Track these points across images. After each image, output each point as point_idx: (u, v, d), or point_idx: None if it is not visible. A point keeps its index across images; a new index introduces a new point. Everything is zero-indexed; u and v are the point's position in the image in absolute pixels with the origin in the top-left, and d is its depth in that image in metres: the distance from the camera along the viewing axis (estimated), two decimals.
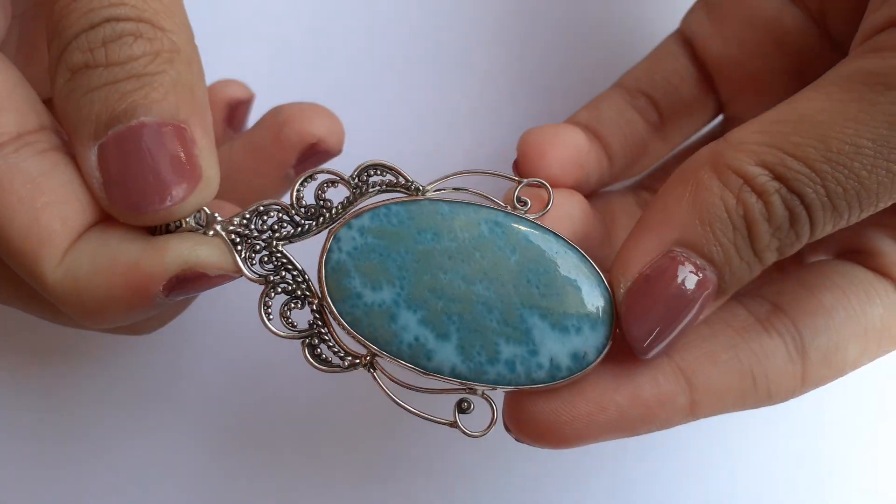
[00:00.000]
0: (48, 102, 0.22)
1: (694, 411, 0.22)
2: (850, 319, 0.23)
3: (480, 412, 0.22)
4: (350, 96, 0.32)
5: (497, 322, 0.21)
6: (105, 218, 0.21)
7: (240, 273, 0.22)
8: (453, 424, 0.22)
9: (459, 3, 0.35)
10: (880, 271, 0.24)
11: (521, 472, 0.33)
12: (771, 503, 0.33)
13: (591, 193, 0.27)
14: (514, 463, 0.33)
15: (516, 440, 0.22)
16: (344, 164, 0.24)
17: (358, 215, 0.22)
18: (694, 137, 0.30)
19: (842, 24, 0.26)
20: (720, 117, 0.29)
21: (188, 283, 0.21)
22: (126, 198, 0.20)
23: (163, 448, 0.32)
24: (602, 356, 0.22)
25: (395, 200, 0.22)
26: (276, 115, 0.26)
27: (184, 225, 0.22)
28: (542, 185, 0.23)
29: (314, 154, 0.26)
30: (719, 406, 0.22)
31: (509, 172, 0.24)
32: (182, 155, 0.20)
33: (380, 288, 0.21)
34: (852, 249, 0.25)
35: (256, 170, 0.26)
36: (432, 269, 0.22)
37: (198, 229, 0.22)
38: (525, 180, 0.23)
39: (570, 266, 0.22)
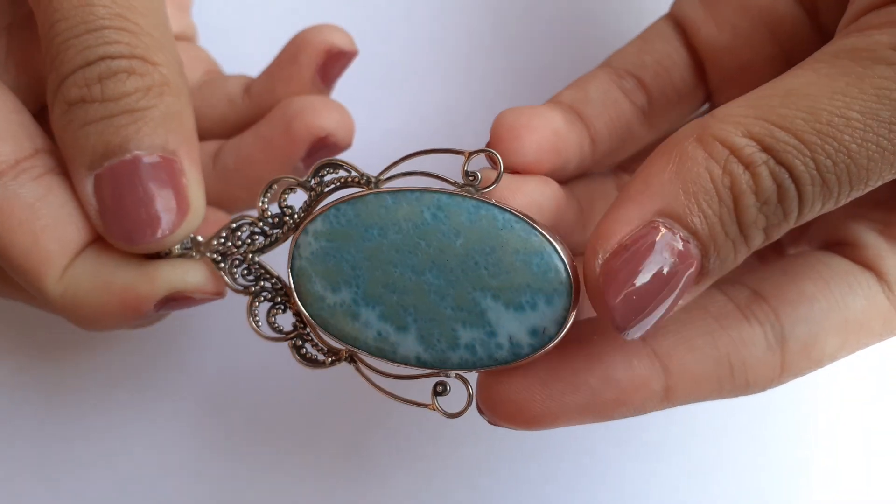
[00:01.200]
0: (42, 113, 0.24)
1: (669, 397, 0.21)
2: (830, 310, 0.22)
3: (459, 395, 0.22)
4: (357, 93, 0.31)
5: (451, 308, 0.21)
6: (100, 236, 0.23)
7: (222, 294, 0.24)
8: (431, 406, 0.23)
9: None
10: (863, 263, 0.23)
11: (516, 463, 0.33)
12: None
13: (571, 178, 0.26)
14: (509, 454, 0.33)
15: (489, 423, 0.22)
16: (356, 161, 0.24)
17: (314, 219, 0.23)
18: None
19: (832, 15, 0.24)
20: (705, 106, 0.28)
21: (176, 302, 0.24)
22: (120, 229, 0.22)
23: (162, 444, 0.33)
24: (565, 329, 0.21)
25: (344, 199, 0.23)
26: (285, 108, 0.26)
27: (173, 251, 0.24)
28: (489, 154, 0.22)
29: (323, 147, 0.26)
30: (695, 393, 0.21)
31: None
32: (172, 187, 0.22)
33: (338, 289, 0.22)
34: (835, 241, 0.24)
35: (266, 163, 0.26)
36: (383, 264, 0.22)
37: (185, 252, 0.24)
38: (472, 152, 0.22)
39: (517, 241, 0.21)
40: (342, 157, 0.24)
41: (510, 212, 0.21)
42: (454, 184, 0.22)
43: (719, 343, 0.21)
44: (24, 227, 0.22)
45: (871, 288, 0.22)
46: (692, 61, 0.26)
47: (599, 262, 0.20)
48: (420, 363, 0.22)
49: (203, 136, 0.27)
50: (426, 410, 0.23)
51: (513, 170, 0.23)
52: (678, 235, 0.19)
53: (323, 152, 0.26)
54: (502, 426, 0.22)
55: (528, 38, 0.35)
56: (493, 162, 0.22)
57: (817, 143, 0.18)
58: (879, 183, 0.19)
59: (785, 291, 0.22)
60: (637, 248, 0.19)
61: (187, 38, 0.32)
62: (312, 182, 0.23)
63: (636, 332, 0.20)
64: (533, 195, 0.22)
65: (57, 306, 0.23)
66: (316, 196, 0.23)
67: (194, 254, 0.24)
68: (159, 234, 0.22)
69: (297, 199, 0.24)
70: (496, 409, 0.22)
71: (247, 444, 0.34)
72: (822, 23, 0.25)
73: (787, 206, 0.19)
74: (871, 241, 0.23)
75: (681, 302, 0.20)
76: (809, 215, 0.19)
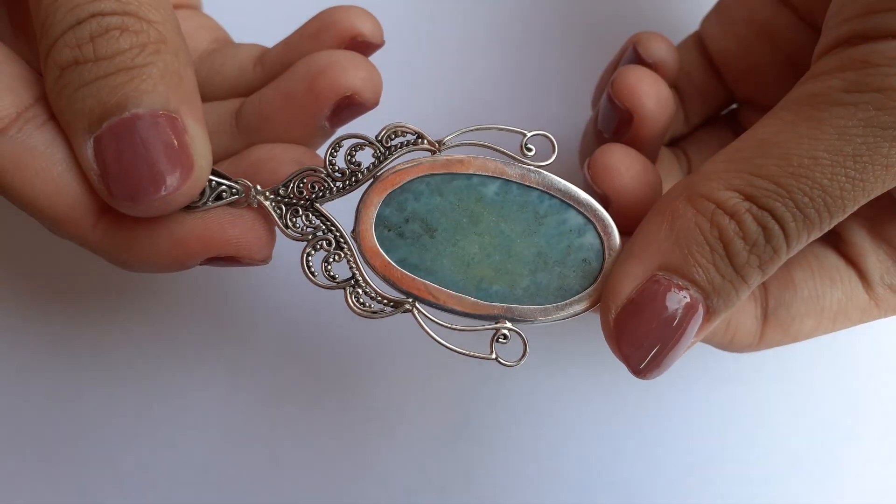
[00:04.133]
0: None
1: None
2: (811, 298, 0.25)
3: (514, 347, 0.24)
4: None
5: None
6: None
7: (268, 259, 0.24)
8: (491, 358, 0.24)
9: None
10: (849, 259, 0.26)
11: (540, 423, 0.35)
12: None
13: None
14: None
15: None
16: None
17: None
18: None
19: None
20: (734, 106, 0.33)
21: (222, 261, 0.24)
22: (122, 189, 0.21)
23: (165, 443, 0.33)
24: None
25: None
26: (309, 63, 0.25)
27: (224, 197, 0.23)
28: (546, 137, 0.25)
29: (349, 106, 0.25)
30: None
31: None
32: (175, 144, 0.21)
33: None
34: (834, 231, 0.26)
35: (289, 119, 0.25)
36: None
37: (237, 200, 0.23)
38: (530, 133, 0.24)
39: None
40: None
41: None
42: (513, 156, 0.24)
43: None
44: (41, 176, 0.21)
45: (850, 283, 0.26)
46: (708, 66, 0.31)
47: (612, 316, 0.22)
48: None
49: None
50: (468, 368, 0.25)
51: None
52: (679, 285, 0.21)
53: (349, 111, 0.25)
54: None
55: (531, 31, 0.37)
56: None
57: (793, 184, 0.20)
58: (856, 207, 0.21)
59: (777, 274, 0.25)
60: (643, 302, 0.22)
61: (192, 5, 0.31)
62: (382, 143, 0.24)
63: (653, 376, 0.22)
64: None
65: (98, 251, 0.22)
66: (386, 156, 0.24)
67: (253, 203, 0.24)
68: (163, 191, 0.21)
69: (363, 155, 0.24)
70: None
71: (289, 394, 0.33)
72: (819, 29, 0.28)
73: (775, 243, 0.21)
74: (859, 239, 0.26)
75: (694, 341, 0.22)
76: (797, 247, 0.21)
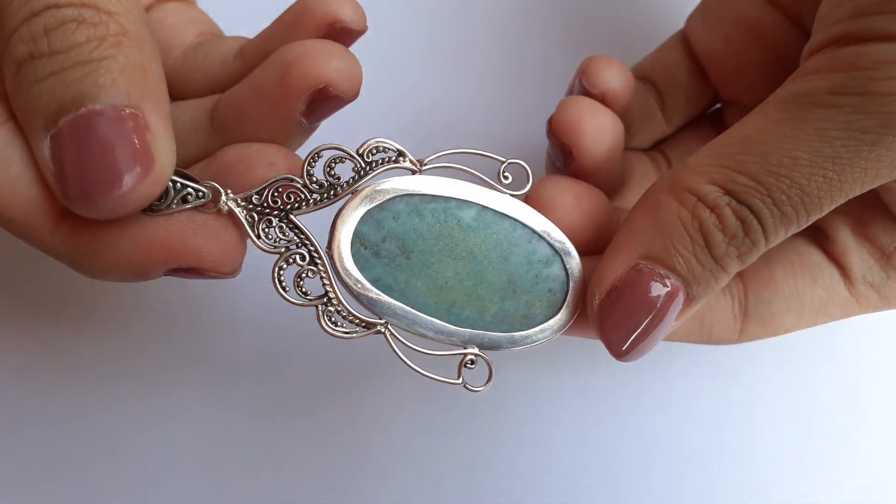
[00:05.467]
0: None
1: None
2: (791, 295, 0.26)
3: (481, 373, 0.24)
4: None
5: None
6: None
7: (236, 272, 0.23)
8: (458, 383, 0.24)
9: None
10: (832, 257, 0.27)
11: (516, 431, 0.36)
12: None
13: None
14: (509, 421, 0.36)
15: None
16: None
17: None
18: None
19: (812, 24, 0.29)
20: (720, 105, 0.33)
21: (186, 273, 0.23)
22: (77, 189, 0.20)
23: (168, 438, 0.33)
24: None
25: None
26: (282, 54, 0.23)
27: (189, 200, 0.22)
28: (521, 166, 0.25)
29: (325, 100, 0.23)
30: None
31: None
32: (135, 141, 0.20)
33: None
34: (818, 227, 0.27)
35: (262, 115, 0.23)
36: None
37: (202, 205, 0.22)
38: (507, 161, 0.25)
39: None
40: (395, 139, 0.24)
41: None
42: (490, 183, 0.25)
43: None
44: None
45: (832, 280, 0.26)
46: (693, 66, 0.31)
47: (596, 301, 0.23)
48: None
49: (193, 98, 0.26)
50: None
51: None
52: (660, 274, 0.22)
53: (325, 105, 0.23)
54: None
55: (524, 32, 0.37)
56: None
57: (772, 182, 0.21)
58: (834, 206, 0.22)
59: (758, 271, 0.26)
60: (626, 289, 0.23)
61: None
62: (363, 158, 0.23)
63: (633, 358, 0.23)
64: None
65: (59, 256, 0.22)
66: (367, 171, 0.23)
67: (223, 208, 0.22)
68: (119, 190, 0.20)
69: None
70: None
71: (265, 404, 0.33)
72: (807, 29, 0.28)
73: (753, 237, 0.22)
74: (842, 237, 0.26)
75: (674, 324, 0.23)
76: (776, 240, 0.22)
